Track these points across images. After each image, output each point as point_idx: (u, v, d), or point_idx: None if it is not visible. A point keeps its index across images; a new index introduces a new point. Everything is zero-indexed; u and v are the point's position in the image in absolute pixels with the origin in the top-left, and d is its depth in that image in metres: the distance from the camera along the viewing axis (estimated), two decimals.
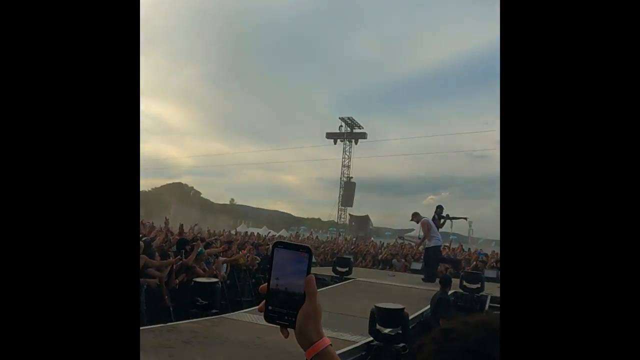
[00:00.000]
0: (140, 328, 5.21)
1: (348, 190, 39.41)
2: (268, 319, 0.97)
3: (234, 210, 54.18)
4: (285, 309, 0.94)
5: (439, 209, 10.62)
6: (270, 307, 0.96)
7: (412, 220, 10.30)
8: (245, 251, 10.03)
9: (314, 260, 11.38)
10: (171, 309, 6.75)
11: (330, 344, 0.91)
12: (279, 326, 0.95)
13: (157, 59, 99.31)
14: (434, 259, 9.96)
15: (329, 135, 40.31)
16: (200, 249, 7.91)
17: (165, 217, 9.77)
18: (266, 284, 0.97)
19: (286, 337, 0.95)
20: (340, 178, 40.19)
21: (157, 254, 6.97)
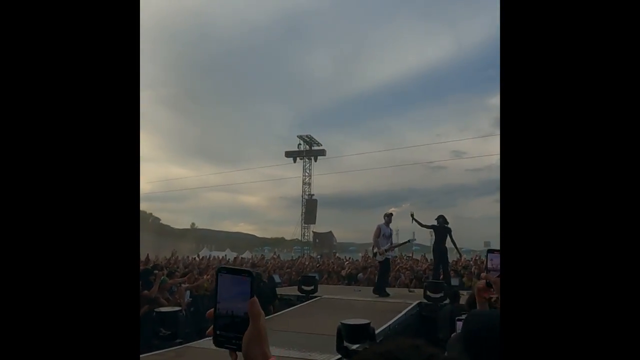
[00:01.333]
0: None
1: (310, 207, 39.40)
2: (217, 343, 0.99)
3: (195, 235, 53.02)
4: (232, 333, 0.97)
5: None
6: (218, 332, 0.99)
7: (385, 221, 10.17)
8: (209, 276, 9.84)
9: (278, 280, 11.31)
10: None
11: None
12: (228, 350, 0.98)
13: None
14: (385, 270, 9.99)
15: (288, 154, 40.34)
16: (163, 277, 7.72)
17: None
18: (213, 309, 1.00)
19: (234, 359, 0.98)
20: (302, 196, 40.17)
21: None
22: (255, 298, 0.97)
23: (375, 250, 9.80)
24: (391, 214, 10.24)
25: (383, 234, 9.85)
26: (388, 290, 9.88)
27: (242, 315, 0.96)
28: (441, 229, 10.30)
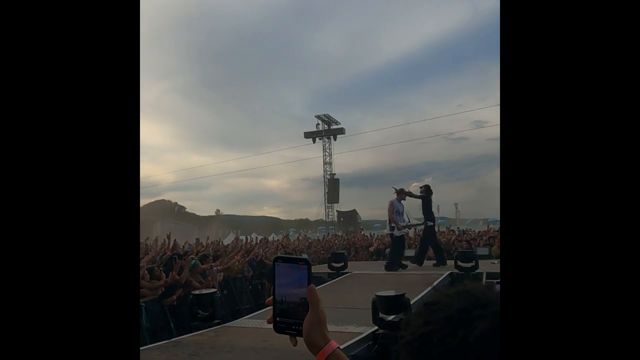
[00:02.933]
0: (145, 347, 5.17)
1: (332, 187, 39.44)
2: (277, 329, 1.04)
3: (220, 220, 53.78)
4: (292, 319, 1.01)
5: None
6: (278, 319, 1.03)
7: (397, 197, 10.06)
8: (238, 257, 9.99)
9: (305, 256, 11.39)
10: (172, 324, 6.71)
11: (338, 347, 0.97)
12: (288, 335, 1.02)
13: None
14: (401, 246, 9.94)
15: (307, 135, 40.28)
16: (193, 261, 7.87)
17: (157, 237, 9.67)
18: (272, 297, 1.04)
19: (295, 345, 1.02)
20: (324, 176, 40.22)
21: (146, 273, 6.91)
22: (313, 285, 1.00)
23: (393, 225, 9.76)
24: (402, 189, 10.19)
25: (396, 209, 9.84)
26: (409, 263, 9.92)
27: (301, 302, 1.00)
28: (428, 199, 10.25)
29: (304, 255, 11.88)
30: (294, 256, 1.08)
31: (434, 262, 9.94)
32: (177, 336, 5.74)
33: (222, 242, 16.95)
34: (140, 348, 5.05)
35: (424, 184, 10.57)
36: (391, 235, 9.95)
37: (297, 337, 1.01)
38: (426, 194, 10.27)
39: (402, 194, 10.12)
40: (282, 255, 1.09)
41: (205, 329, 5.78)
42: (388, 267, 9.55)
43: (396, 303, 5.07)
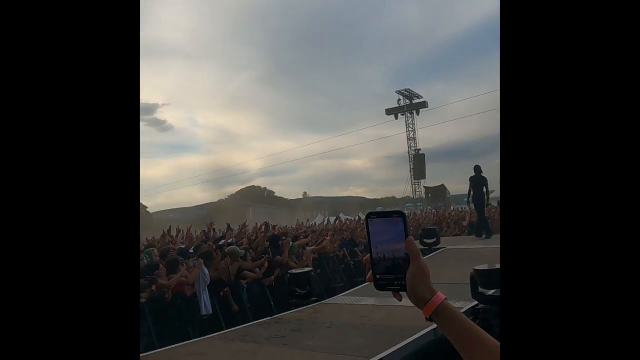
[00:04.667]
0: (249, 324, 5.49)
1: (418, 163, 38.65)
2: (378, 287, 1.00)
3: (308, 203, 55.03)
4: (393, 275, 0.97)
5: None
6: (378, 276, 0.99)
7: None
8: (329, 238, 10.18)
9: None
10: (272, 303, 7.04)
11: (446, 298, 0.92)
12: (391, 292, 0.98)
13: (210, 71, 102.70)
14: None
15: (389, 112, 39.70)
16: (291, 243, 8.17)
17: (245, 222, 10.15)
18: (369, 255, 1.00)
19: (400, 300, 0.98)
20: (408, 152, 39.51)
21: (249, 256, 7.28)
22: (411, 237, 0.96)
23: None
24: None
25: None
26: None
27: (401, 256, 0.96)
28: (478, 178, 10.83)
29: None
30: (387, 210, 1.01)
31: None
32: (277, 314, 6.01)
33: (312, 223, 17.37)
34: (245, 325, 5.37)
35: (476, 165, 11.16)
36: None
37: (402, 293, 0.97)
38: (476, 174, 10.97)
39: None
40: (375, 211, 1.04)
41: (303, 306, 5.99)
42: (477, 234, 10.98)
43: (496, 277, 4.89)
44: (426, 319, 0.92)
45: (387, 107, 40.20)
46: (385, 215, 0.99)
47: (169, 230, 9.16)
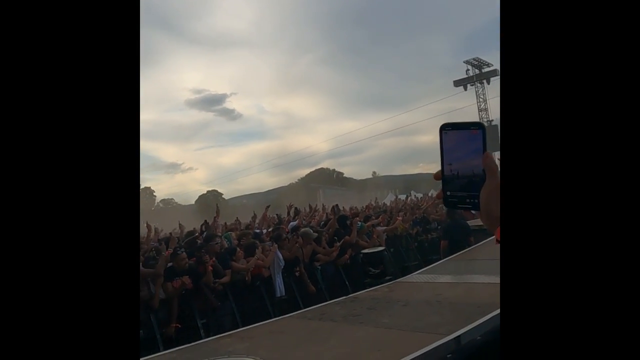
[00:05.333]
0: (325, 303, 5.63)
1: (491, 134, 36.99)
2: (448, 204, 0.94)
3: (377, 182, 54.72)
4: (466, 192, 0.91)
5: None
6: (448, 193, 0.93)
7: None
8: (400, 218, 10.11)
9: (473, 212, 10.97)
10: (347, 282, 7.16)
11: None
12: (461, 210, 0.92)
13: (274, 57, 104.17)
14: None
15: (457, 83, 38.20)
16: (359, 223, 8.22)
17: (322, 205, 10.34)
18: (440, 170, 0.94)
19: (471, 218, 0.95)
20: None
21: (323, 238, 7.41)
22: (489, 152, 0.89)
23: None
24: None
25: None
26: None
27: (475, 172, 0.88)
28: None
29: None
30: (465, 121, 0.93)
31: None
32: (352, 293, 6.10)
33: (381, 202, 17.30)
34: (321, 304, 5.52)
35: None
36: None
37: (474, 212, 0.91)
38: None
39: None
40: (450, 122, 0.95)
41: (377, 285, 6.04)
42: None
43: None
44: (497, 240, 0.84)
45: (454, 79, 38.76)
46: (462, 126, 0.92)
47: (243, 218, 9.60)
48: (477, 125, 0.90)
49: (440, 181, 0.95)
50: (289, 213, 9.97)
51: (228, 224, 9.10)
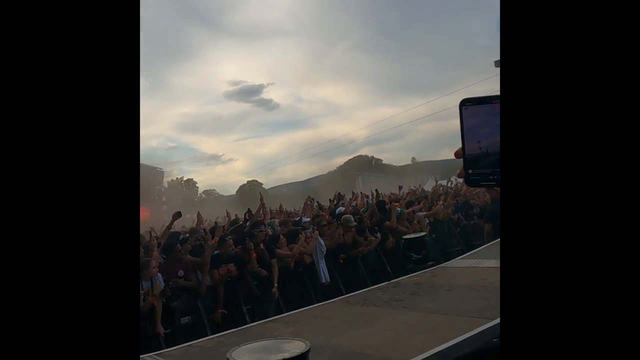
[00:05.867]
0: (368, 288, 5.66)
1: None
2: (470, 182, 0.92)
3: (417, 168, 53.94)
4: (489, 169, 0.88)
5: None
6: (470, 171, 0.91)
7: None
8: (441, 202, 9.96)
9: None
10: (389, 268, 7.15)
11: None
12: (484, 187, 0.90)
13: (309, 46, 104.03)
14: None
15: (498, 63, 37.01)
16: (398, 209, 8.16)
17: (360, 192, 10.32)
18: (460, 148, 0.91)
19: (495, 196, 0.93)
20: None
21: (366, 228, 7.42)
22: None
23: None
24: None
25: None
26: None
27: (498, 148, 0.83)
28: None
29: None
30: (486, 96, 0.89)
31: None
32: (394, 278, 6.11)
33: (422, 188, 17.07)
34: (364, 290, 5.55)
35: None
36: None
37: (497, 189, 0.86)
38: None
39: None
40: (470, 97, 0.91)
41: (420, 270, 6.02)
42: None
43: None
44: None
45: (495, 59, 37.55)
46: (483, 101, 0.89)
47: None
48: (499, 99, 0.85)
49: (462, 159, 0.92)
50: (332, 200, 10.03)
51: (272, 210, 9.29)
